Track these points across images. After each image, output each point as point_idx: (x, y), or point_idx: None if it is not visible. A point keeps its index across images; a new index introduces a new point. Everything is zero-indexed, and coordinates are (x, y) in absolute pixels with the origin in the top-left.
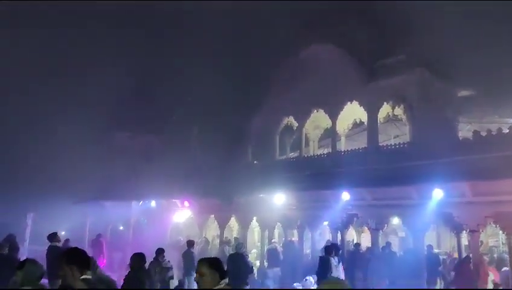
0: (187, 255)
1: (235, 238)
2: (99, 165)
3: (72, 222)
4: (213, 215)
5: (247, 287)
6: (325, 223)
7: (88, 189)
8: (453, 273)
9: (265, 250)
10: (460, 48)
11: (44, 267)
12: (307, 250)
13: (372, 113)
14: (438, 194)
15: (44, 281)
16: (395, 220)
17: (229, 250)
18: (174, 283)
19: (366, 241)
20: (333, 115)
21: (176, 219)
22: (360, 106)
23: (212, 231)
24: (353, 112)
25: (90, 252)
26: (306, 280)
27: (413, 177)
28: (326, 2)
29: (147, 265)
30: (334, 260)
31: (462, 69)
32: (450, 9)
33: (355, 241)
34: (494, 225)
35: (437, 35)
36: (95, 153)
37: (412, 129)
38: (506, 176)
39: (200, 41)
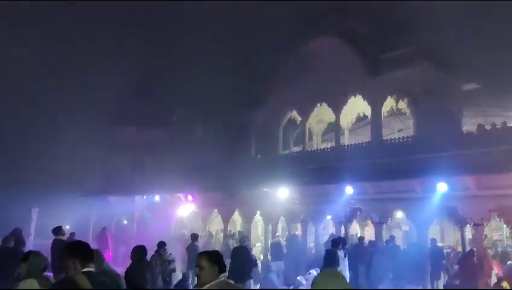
0: (191, 248)
1: (239, 232)
2: (104, 160)
3: (76, 216)
4: (216, 210)
5: (251, 280)
6: (329, 217)
7: (92, 183)
8: (456, 266)
9: (269, 244)
10: (464, 41)
11: (49, 260)
12: (311, 244)
13: (376, 107)
14: (442, 187)
15: (50, 275)
16: (399, 214)
17: (233, 243)
18: (178, 276)
19: (369, 235)
20: (337, 109)
21: (180, 213)
22: (364, 100)
23: (215, 225)
24: (357, 106)
25: (95, 246)
26: (310, 273)
27: (417, 171)
28: None
29: (148, 258)
30: (341, 253)
31: (467, 62)
32: (455, 3)
33: (358, 235)
34: (498, 219)
35: (441, 28)
36: (99, 148)
37: (416, 123)
38: (511, 170)
39: (203, 35)
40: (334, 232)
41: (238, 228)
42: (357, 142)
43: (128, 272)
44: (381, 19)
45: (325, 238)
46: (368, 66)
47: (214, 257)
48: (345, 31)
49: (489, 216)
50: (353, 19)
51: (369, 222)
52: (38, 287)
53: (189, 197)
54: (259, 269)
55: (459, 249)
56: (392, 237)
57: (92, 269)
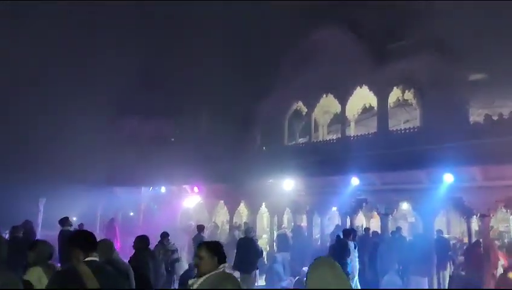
0: (197, 239)
1: (245, 223)
2: (110, 151)
3: (83, 207)
4: (222, 201)
5: (257, 271)
6: (334, 208)
7: (99, 175)
8: (462, 257)
9: (275, 235)
10: (471, 31)
11: (56, 251)
12: (316, 235)
13: (382, 97)
14: (448, 178)
15: (58, 265)
16: (405, 206)
17: (239, 234)
18: (184, 266)
19: (375, 226)
20: (343, 100)
21: (186, 204)
22: (370, 91)
23: (221, 216)
24: (363, 97)
25: (102, 237)
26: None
27: (423, 161)
28: None
29: (152, 248)
30: (351, 244)
31: (474, 52)
32: None
33: (364, 227)
34: (504, 210)
35: (448, 18)
36: (105, 139)
37: (422, 113)
38: None
39: (209, 25)
40: (340, 224)
41: (244, 219)
42: (363, 133)
43: (131, 261)
44: (388, 8)
45: (330, 229)
46: (374, 56)
47: (214, 247)
48: (351, 21)
49: (496, 207)
50: (359, 8)
51: (375, 213)
52: (44, 275)
53: (195, 189)
54: (265, 260)
55: (465, 240)
56: (399, 228)
57: (96, 259)
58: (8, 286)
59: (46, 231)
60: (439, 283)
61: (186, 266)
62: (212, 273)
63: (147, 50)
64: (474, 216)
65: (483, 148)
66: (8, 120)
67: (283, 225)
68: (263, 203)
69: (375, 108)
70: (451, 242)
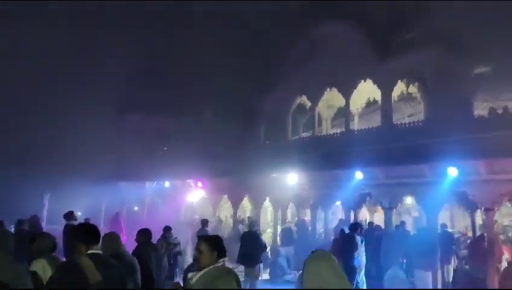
0: (201, 233)
1: (249, 217)
2: (114, 146)
3: (87, 202)
4: (226, 195)
5: (261, 264)
6: (338, 202)
7: (103, 170)
8: (465, 251)
9: (280, 230)
10: (476, 24)
11: (60, 244)
12: (320, 230)
13: (386, 91)
14: (452, 172)
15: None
16: (409, 200)
17: (243, 228)
18: (188, 259)
19: (379, 220)
20: (347, 94)
21: (190, 199)
22: (374, 84)
23: (225, 211)
24: (367, 91)
25: (107, 231)
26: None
27: (427, 155)
28: None
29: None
30: (358, 238)
31: (479, 45)
32: None
33: (368, 221)
34: (509, 204)
35: (452, 10)
36: (109, 134)
37: (427, 107)
38: None
39: (211, 21)
40: (344, 218)
41: (248, 213)
42: (367, 127)
43: (134, 254)
44: (392, 1)
45: (334, 223)
46: (378, 49)
47: (214, 241)
48: (354, 14)
49: (501, 201)
50: (363, 2)
51: (379, 207)
52: (48, 267)
53: (199, 183)
54: (269, 254)
55: (469, 234)
56: (403, 223)
57: (99, 252)
58: (16, 277)
59: (51, 225)
60: (443, 277)
61: (190, 260)
62: (212, 267)
63: (150, 46)
64: (479, 210)
65: (487, 142)
66: (13, 116)
67: (287, 220)
68: (267, 198)
69: (379, 102)
70: (455, 236)
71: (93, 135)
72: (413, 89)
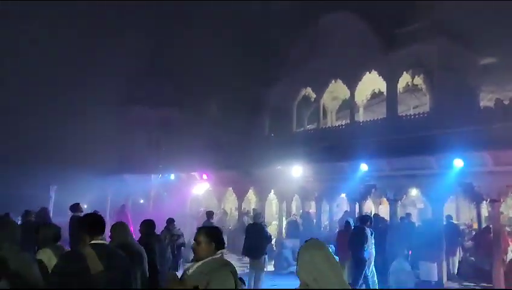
0: (206, 225)
1: (254, 210)
2: (120, 139)
3: (93, 194)
4: (231, 188)
5: (266, 256)
6: (343, 195)
7: (109, 162)
8: (469, 242)
9: (286, 222)
10: (482, 14)
11: (65, 235)
12: (325, 222)
13: (392, 82)
14: (458, 164)
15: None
16: (414, 192)
17: (248, 220)
18: (190, 251)
19: (384, 212)
20: (352, 86)
21: (195, 191)
22: (379, 76)
23: (230, 203)
24: (372, 82)
25: (113, 223)
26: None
27: (433, 147)
28: None
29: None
30: (368, 231)
31: (485, 35)
32: None
33: (373, 213)
34: None
35: (458, 1)
36: (115, 127)
37: (432, 98)
38: None
39: (217, 12)
40: (348, 210)
41: (253, 206)
42: (372, 118)
43: None
44: None
45: (339, 216)
46: (383, 41)
47: (212, 233)
48: (359, 6)
49: (507, 192)
50: None
51: (384, 199)
52: (54, 256)
53: (204, 176)
54: (274, 246)
55: (475, 226)
56: (408, 214)
57: (103, 242)
58: (24, 265)
59: (58, 217)
60: (448, 269)
61: None
62: (209, 259)
63: (156, 39)
64: (484, 202)
65: (493, 133)
66: (20, 109)
67: (293, 212)
68: (272, 190)
69: (384, 93)
70: (461, 228)
71: (99, 128)
72: (418, 80)
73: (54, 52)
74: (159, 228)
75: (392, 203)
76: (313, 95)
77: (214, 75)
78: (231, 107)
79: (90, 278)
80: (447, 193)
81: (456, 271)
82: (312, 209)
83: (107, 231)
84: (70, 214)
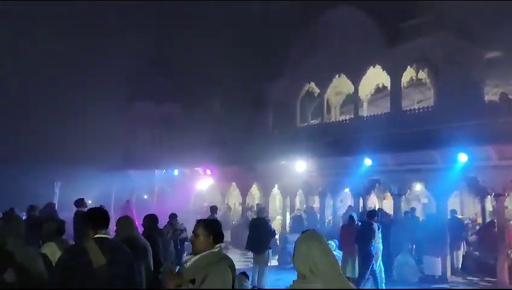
0: None
1: (257, 204)
2: (124, 135)
3: (98, 190)
4: (235, 183)
5: (270, 250)
6: (347, 189)
7: (113, 158)
8: (473, 237)
9: (291, 217)
10: (487, 8)
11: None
12: (329, 217)
13: (396, 77)
14: (462, 158)
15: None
16: (418, 187)
17: (251, 215)
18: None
19: (388, 207)
20: (355, 80)
21: (199, 186)
22: (383, 70)
23: (234, 198)
24: (376, 77)
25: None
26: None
27: (437, 141)
28: None
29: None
30: (376, 225)
31: (489, 29)
32: None
33: (377, 208)
34: None
35: None
36: (118, 123)
37: (437, 92)
38: None
39: (220, 8)
40: (352, 205)
41: (256, 201)
42: (376, 113)
43: None
44: None
45: (342, 211)
46: (387, 35)
47: (211, 226)
48: (363, 0)
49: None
50: None
51: (388, 194)
52: (58, 250)
53: (208, 171)
54: (278, 240)
55: (479, 220)
56: (413, 209)
57: (106, 236)
58: (29, 259)
59: (62, 213)
60: (452, 263)
61: None
62: (208, 252)
63: (159, 34)
64: (489, 196)
65: (498, 127)
66: (24, 107)
67: (297, 207)
68: (275, 185)
69: (388, 88)
70: (465, 222)
71: (103, 124)
72: (422, 74)
73: (56, 51)
74: (163, 223)
75: (396, 198)
76: (317, 90)
77: (217, 71)
78: (235, 103)
79: (92, 272)
80: (451, 187)
81: (460, 265)
82: (316, 204)
83: (112, 226)
84: (75, 209)
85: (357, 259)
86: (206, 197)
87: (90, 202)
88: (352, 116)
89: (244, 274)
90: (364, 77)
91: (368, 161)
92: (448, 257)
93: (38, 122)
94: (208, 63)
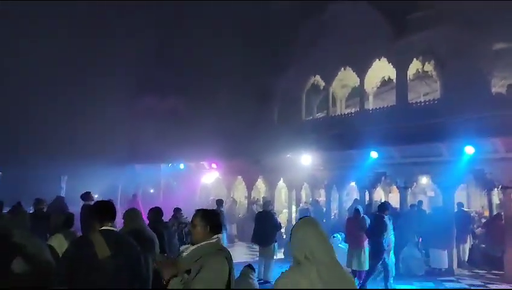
0: None
1: (263, 198)
2: (130, 129)
3: (104, 184)
4: (240, 177)
5: (276, 243)
6: (352, 183)
7: (118, 152)
8: (479, 229)
9: (297, 210)
10: None
11: (77, 223)
12: (335, 210)
13: (402, 69)
14: (469, 150)
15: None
16: (424, 180)
17: (257, 209)
18: None
19: (394, 200)
20: (361, 73)
21: (205, 180)
22: (389, 63)
23: (239, 192)
24: (381, 70)
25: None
26: (334, 237)
27: (444, 134)
28: None
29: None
30: (387, 219)
31: (497, 21)
32: None
33: (383, 201)
34: None
35: None
36: (125, 117)
37: (443, 85)
38: None
39: (225, 1)
40: (358, 198)
41: (262, 194)
42: (382, 106)
43: None
44: None
45: (348, 204)
46: (393, 27)
47: (208, 216)
48: None
49: None
50: None
51: (394, 187)
52: (65, 242)
53: (213, 165)
54: (284, 234)
55: (486, 213)
56: (420, 202)
57: (112, 228)
58: (36, 250)
59: (70, 207)
60: (459, 256)
61: None
62: (205, 243)
63: (164, 27)
64: (496, 189)
65: (505, 119)
66: (29, 101)
67: (304, 201)
68: (281, 179)
69: (394, 81)
70: (471, 215)
71: (109, 119)
72: (429, 67)
73: (62, 46)
74: (169, 217)
75: (402, 191)
76: (322, 83)
77: (222, 65)
78: (240, 96)
79: (97, 263)
80: (457, 180)
81: (466, 258)
82: (321, 198)
83: (118, 219)
84: (81, 203)
85: (362, 252)
86: (211, 191)
87: (96, 196)
88: (358, 109)
89: (250, 267)
90: (370, 70)
91: (373, 154)
92: (455, 250)
93: (44, 117)
94: (213, 57)
